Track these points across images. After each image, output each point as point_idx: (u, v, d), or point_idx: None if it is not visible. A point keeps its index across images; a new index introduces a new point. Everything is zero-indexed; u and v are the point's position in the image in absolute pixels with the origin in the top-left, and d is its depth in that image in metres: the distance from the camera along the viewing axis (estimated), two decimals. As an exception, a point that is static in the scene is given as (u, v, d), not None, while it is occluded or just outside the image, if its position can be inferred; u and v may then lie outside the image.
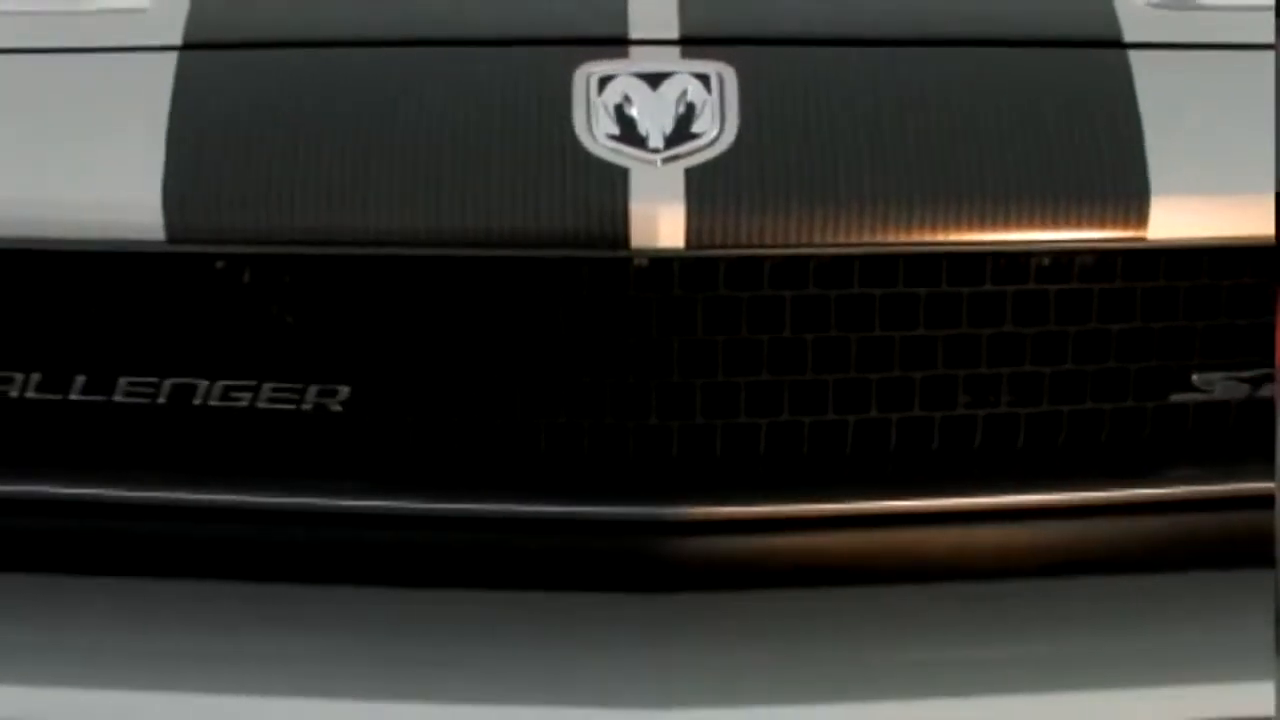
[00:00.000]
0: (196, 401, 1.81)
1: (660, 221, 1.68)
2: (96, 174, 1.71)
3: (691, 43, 1.75)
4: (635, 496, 1.80)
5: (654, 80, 1.72)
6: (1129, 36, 1.78)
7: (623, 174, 1.69)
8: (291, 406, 1.81)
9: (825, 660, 1.71)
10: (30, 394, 1.81)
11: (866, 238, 1.70)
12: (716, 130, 1.70)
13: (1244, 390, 1.84)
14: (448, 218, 1.69)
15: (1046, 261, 1.78)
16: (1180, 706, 1.70)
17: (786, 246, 1.70)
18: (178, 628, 1.74)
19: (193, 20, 1.77)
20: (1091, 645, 1.75)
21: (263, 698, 1.68)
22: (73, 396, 1.81)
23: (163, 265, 1.77)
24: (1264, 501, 1.84)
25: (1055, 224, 1.71)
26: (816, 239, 1.69)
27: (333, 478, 1.83)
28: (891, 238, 1.70)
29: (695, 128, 1.70)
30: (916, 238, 1.70)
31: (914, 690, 1.69)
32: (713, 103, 1.71)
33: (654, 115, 1.71)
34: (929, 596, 1.78)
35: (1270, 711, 1.67)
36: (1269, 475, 1.84)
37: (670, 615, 1.75)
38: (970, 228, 1.70)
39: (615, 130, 1.70)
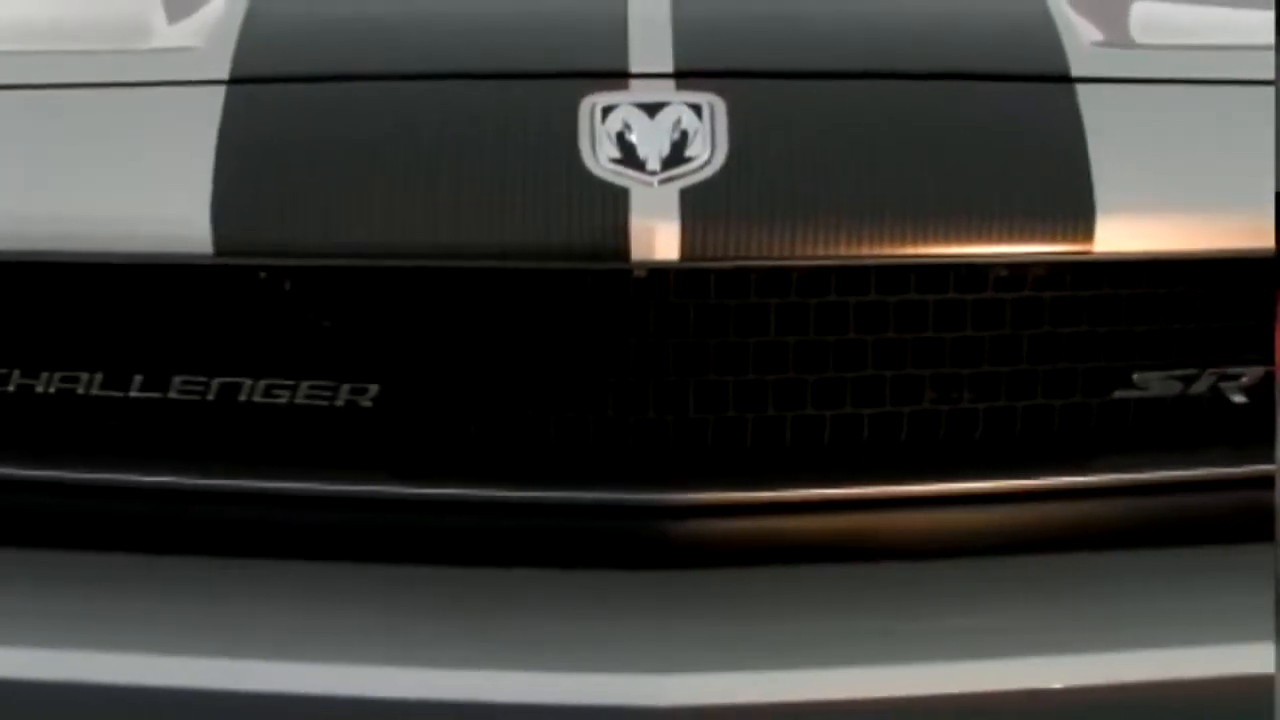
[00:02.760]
0: (242, 398, 1.88)
1: (657, 236, 1.74)
2: (151, 195, 1.77)
3: (685, 76, 1.81)
4: (635, 483, 1.86)
5: (651, 110, 1.78)
6: (1076, 72, 1.83)
7: (624, 194, 1.75)
8: (326, 403, 1.87)
9: (810, 629, 1.75)
10: (94, 391, 1.88)
11: (842, 251, 1.75)
12: (708, 154, 1.76)
13: (1178, 388, 1.91)
14: (467, 234, 1.75)
15: (1004, 273, 1.85)
16: (1159, 667, 1.74)
17: (771, 259, 1.75)
18: (213, 601, 1.78)
19: (238, 58, 1.83)
20: (1057, 614, 1.78)
21: (294, 663, 1.72)
22: (132, 394, 1.88)
23: (211, 276, 1.84)
24: (1199, 486, 1.91)
25: (1011, 239, 1.77)
26: (797, 252, 1.75)
27: (362, 467, 1.88)
28: (865, 251, 1.76)
29: (689, 152, 1.77)
30: (887, 251, 1.76)
31: (895, 655, 1.73)
32: (704, 130, 1.77)
33: (651, 141, 1.77)
34: (903, 571, 1.83)
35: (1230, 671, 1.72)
36: (1201, 463, 1.91)
37: (667, 590, 1.79)
38: (935, 242, 1.76)
39: (617, 154, 1.76)
